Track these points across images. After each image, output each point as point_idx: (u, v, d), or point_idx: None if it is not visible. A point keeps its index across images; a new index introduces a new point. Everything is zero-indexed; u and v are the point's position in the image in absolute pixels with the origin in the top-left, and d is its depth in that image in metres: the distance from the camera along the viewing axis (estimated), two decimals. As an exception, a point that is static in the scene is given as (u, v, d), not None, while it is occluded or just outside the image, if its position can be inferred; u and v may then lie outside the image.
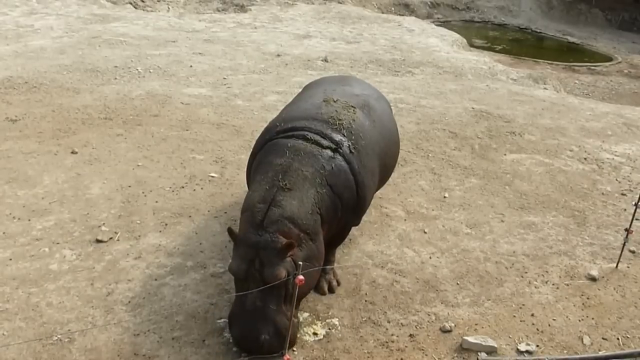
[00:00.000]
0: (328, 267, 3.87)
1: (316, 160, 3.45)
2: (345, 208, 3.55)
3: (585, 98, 10.66)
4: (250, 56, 9.80)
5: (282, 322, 3.12)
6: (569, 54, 16.45)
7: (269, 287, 3.05)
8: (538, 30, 18.82)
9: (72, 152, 5.50)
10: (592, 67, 14.87)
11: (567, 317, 3.79)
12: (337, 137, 3.60)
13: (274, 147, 3.59)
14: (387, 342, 3.46)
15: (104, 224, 4.38)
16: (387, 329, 3.56)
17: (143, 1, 13.70)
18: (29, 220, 4.37)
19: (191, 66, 8.81)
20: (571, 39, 18.12)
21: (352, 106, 3.89)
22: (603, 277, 4.23)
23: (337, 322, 3.57)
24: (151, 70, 8.42)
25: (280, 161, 3.43)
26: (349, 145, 3.60)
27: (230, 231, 3.24)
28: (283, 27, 12.56)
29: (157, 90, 7.44)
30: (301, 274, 2.98)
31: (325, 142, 3.56)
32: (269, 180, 3.35)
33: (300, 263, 2.94)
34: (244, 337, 3.14)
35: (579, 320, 3.77)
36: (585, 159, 6.41)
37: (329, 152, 3.51)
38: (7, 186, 4.82)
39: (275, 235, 3.12)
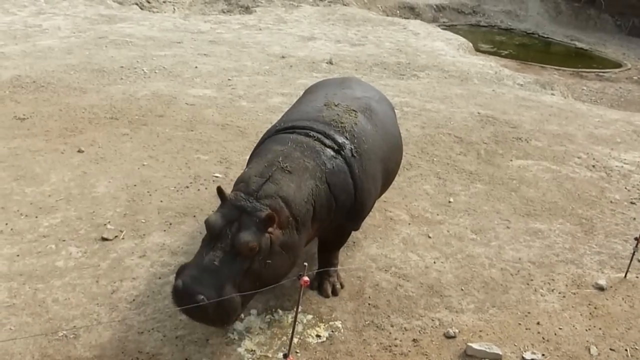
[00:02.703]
0: (332, 269, 3.86)
1: (318, 156, 3.42)
2: (340, 210, 3.48)
3: (593, 104, 10.60)
4: (254, 58, 9.82)
5: (228, 294, 2.90)
6: (577, 59, 16.37)
7: (233, 252, 2.94)
8: (545, 35, 18.75)
9: (79, 151, 5.52)
10: (601, 74, 14.77)
11: (573, 326, 3.76)
12: (340, 139, 3.56)
13: (275, 139, 3.58)
14: (390, 346, 3.44)
15: (109, 222, 4.39)
16: (390, 333, 3.54)
17: (149, 2, 13.77)
18: (36, 217, 4.39)
19: (196, 67, 8.83)
20: (579, 45, 18.03)
21: (354, 110, 3.83)
22: (611, 286, 4.19)
23: (340, 325, 3.56)
24: (157, 71, 8.45)
25: (282, 148, 3.41)
26: (351, 148, 3.56)
27: (220, 190, 3.15)
28: (288, 29, 12.58)
29: (163, 91, 7.46)
30: (272, 262, 2.94)
31: (327, 142, 3.52)
32: (269, 160, 3.32)
33: (306, 264, 2.92)
34: (183, 288, 2.89)
35: (586, 330, 3.73)
36: (593, 166, 6.37)
37: (330, 152, 3.48)
38: (15, 183, 4.84)
39: (265, 206, 3.05)
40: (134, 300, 3.61)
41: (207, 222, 3.08)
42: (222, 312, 2.90)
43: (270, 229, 3.02)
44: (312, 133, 3.53)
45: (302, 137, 3.50)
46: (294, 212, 3.15)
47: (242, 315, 3.54)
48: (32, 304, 3.52)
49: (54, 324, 3.38)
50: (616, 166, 6.42)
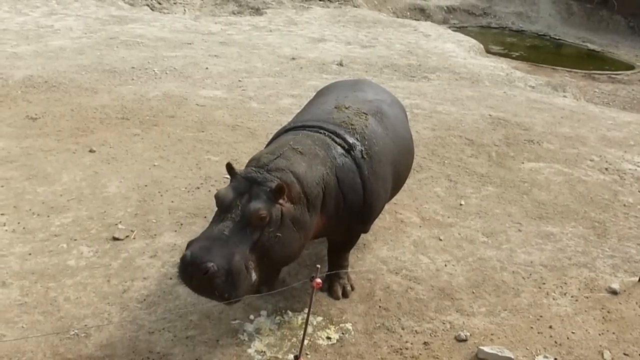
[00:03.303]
0: (342, 271, 3.84)
1: (328, 149, 3.41)
2: (348, 210, 3.44)
3: (605, 107, 10.49)
4: (265, 59, 9.84)
5: (238, 265, 2.80)
6: (588, 61, 16.22)
7: (243, 222, 2.88)
8: (557, 37, 18.60)
9: (90, 151, 5.56)
10: (613, 76, 14.63)
11: (586, 330, 3.71)
12: (351, 139, 3.54)
13: (286, 134, 3.61)
14: (400, 349, 3.42)
15: (120, 222, 4.41)
16: (401, 336, 3.52)
17: (160, 3, 13.85)
18: (48, 216, 4.42)
19: (207, 68, 8.86)
20: (591, 46, 17.87)
21: (365, 112, 3.81)
22: (624, 290, 4.14)
23: (350, 327, 3.54)
24: (167, 72, 8.49)
25: (293, 136, 3.43)
26: (361, 150, 3.53)
27: (229, 165, 3.13)
28: (298, 31, 12.59)
29: (173, 92, 7.49)
30: (282, 236, 2.90)
31: (338, 140, 3.51)
32: (281, 143, 3.34)
33: (318, 266, 2.91)
34: (191, 258, 2.78)
35: (599, 334, 3.69)
36: (606, 169, 6.29)
37: (341, 149, 3.46)
38: (27, 182, 4.88)
39: (276, 178, 3.02)
40: (144, 300, 3.62)
41: (217, 196, 3.03)
42: (231, 282, 2.79)
43: (281, 201, 2.98)
44: (322, 131, 3.53)
45: (313, 133, 3.50)
46: (305, 190, 3.11)
47: (252, 317, 3.54)
48: (44, 302, 3.54)
49: (66, 322, 3.40)
50: (629, 169, 6.34)
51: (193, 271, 2.76)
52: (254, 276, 2.91)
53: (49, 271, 3.82)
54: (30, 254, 3.97)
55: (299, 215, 3.08)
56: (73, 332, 3.30)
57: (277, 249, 2.99)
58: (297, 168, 3.13)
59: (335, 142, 3.48)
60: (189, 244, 2.92)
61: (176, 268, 2.96)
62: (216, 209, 3.04)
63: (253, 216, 2.88)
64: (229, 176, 3.16)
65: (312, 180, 3.17)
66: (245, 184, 3.01)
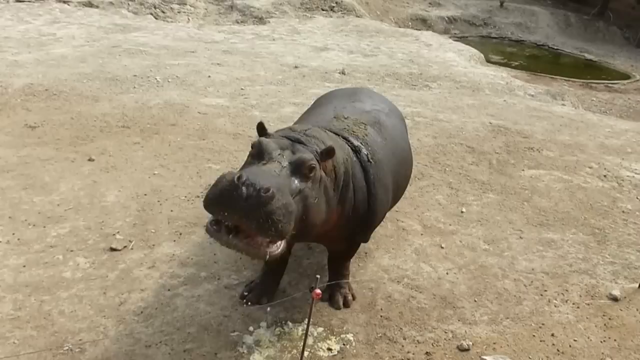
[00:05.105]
0: (343, 281, 3.80)
1: (342, 144, 3.30)
2: (355, 212, 3.30)
3: (603, 115, 10.52)
4: (268, 67, 9.86)
5: (286, 201, 2.52)
6: (586, 71, 16.35)
7: (292, 169, 2.68)
8: (555, 47, 18.75)
9: (89, 160, 5.53)
10: (610, 85, 14.75)
11: (588, 337, 3.67)
12: (356, 142, 3.45)
13: None
14: (402, 359, 3.37)
15: (118, 232, 4.37)
16: (403, 346, 3.47)
17: (164, 12, 13.92)
18: (44, 227, 4.38)
19: (209, 76, 8.88)
20: (588, 56, 18.01)
21: (363, 123, 3.74)
22: (625, 297, 4.10)
23: (351, 338, 3.50)
24: (170, 80, 8.50)
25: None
26: (367, 153, 3.44)
27: (261, 125, 2.93)
28: (301, 40, 12.64)
29: (175, 100, 7.49)
30: (317, 200, 2.75)
31: (344, 141, 3.39)
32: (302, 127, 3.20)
33: (318, 276, 2.87)
34: (248, 178, 2.48)
35: (601, 342, 3.64)
36: (605, 176, 6.28)
37: (349, 149, 3.34)
38: (24, 192, 4.85)
39: (319, 141, 2.91)
40: (142, 312, 3.56)
41: (258, 142, 2.81)
42: (287, 213, 2.52)
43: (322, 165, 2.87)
44: (329, 132, 3.40)
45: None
46: (335, 165, 3.01)
47: (251, 328, 3.49)
48: (37, 316, 3.47)
49: (60, 337, 3.32)
50: (627, 176, 6.33)
51: (250, 191, 2.44)
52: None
53: (44, 284, 3.76)
54: (24, 266, 3.91)
55: (329, 187, 2.95)
56: (67, 347, 3.23)
57: (313, 210, 2.78)
58: (329, 142, 3.03)
59: (344, 139, 3.39)
60: (233, 173, 2.59)
61: (220, 186, 2.54)
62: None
63: (305, 164, 2.72)
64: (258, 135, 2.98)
65: (340, 157, 3.08)
66: (286, 142, 2.86)
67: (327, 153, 2.88)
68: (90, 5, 13.44)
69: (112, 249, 4.15)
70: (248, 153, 2.93)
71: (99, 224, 4.46)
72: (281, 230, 2.52)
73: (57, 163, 5.42)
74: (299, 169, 2.75)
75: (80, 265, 3.96)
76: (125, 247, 4.19)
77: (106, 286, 3.78)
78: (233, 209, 2.48)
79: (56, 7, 12.94)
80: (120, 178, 5.23)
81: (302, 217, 2.73)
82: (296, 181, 2.72)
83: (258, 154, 2.81)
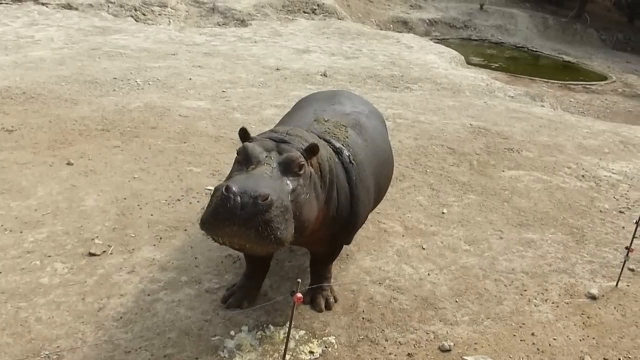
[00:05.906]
0: (325, 284, 3.80)
1: (324, 144, 3.32)
2: (338, 213, 3.31)
3: (581, 116, 10.73)
4: (249, 70, 9.83)
5: (289, 205, 2.57)
6: (564, 72, 16.68)
7: (281, 168, 2.71)
8: (534, 49, 19.09)
9: (68, 164, 5.44)
10: (588, 86, 15.06)
11: (567, 336, 3.73)
12: (337, 144, 3.47)
13: None
14: (384, 361, 3.38)
15: (97, 236, 4.30)
16: (384, 348, 3.48)
17: (144, 14, 13.78)
18: (21, 232, 4.29)
19: (190, 79, 8.82)
20: (567, 58, 18.39)
21: (344, 125, 3.76)
22: (603, 295, 4.18)
23: (334, 340, 3.49)
24: (150, 83, 8.42)
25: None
26: (349, 155, 3.46)
27: (244, 130, 2.95)
28: (283, 42, 12.64)
29: (156, 103, 7.42)
30: (308, 196, 2.77)
31: (326, 143, 3.40)
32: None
33: (299, 280, 2.86)
34: (243, 186, 2.44)
35: (580, 340, 3.70)
36: (583, 176, 6.40)
37: (331, 150, 3.36)
38: (0, 197, 4.75)
39: (302, 140, 2.95)
40: (121, 318, 3.51)
41: (244, 147, 2.83)
42: (286, 218, 2.52)
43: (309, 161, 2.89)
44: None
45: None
46: (319, 162, 3.02)
47: (233, 332, 3.46)
48: (14, 323, 3.39)
49: (37, 344, 3.25)
50: (604, 176, 6.46)
51: (245, 199, 2.40)
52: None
53: (20, 290, 3.68)
54: (0, 272, 3.83)
55: (318, 183, 2.99)
56: (44, 355, 3.16)
57: (306, 207, 2.78)
58: (311, 141, 3.05)
59: (326, 142, 3.41)
60: (223, 185, 2.51)
61: (213, 202, 2.46)
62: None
63: (294, 162, 2.74)
64: (241, 141, 3.00)
65: (324, 155, 3.10)
66: (271, 143, 2.90)
67: (312, 150, 2.91)
68: (70, 7, 13.24)
69: (91, 254, 4.08)
70: (234, 160, 2.94)
71: (78, 229, 4.39)
72: (281, 237, 2.53)
73: (34, 167, 5.32)
74: (288, 167, 2.77)
75: (58, 271, 3.89)
76: (104, 251, 4.13)
77: (85, 292, 3.72)
78: (231, 221, 2.43)
79: (34, 9, 12.73)
80: (99, 182, 5.16)
81: (296, 215, 2.72)
82: (288, 181, 2.75)
83: (245, 160, 2.83)
